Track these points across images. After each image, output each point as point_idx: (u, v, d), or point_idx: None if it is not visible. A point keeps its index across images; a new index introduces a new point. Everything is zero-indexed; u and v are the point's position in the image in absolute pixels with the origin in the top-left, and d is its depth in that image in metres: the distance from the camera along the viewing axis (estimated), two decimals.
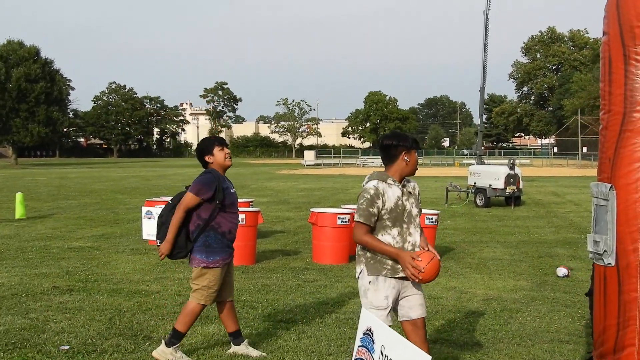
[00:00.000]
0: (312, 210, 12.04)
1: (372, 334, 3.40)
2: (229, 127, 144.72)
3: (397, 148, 4.71)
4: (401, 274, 4.57)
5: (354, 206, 13.14)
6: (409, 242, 4.64)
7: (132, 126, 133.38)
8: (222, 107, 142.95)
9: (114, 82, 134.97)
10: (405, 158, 4.71)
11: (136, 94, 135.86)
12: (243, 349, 6.24)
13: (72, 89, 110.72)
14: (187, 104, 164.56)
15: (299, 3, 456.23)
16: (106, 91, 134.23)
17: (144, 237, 12.84)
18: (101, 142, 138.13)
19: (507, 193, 23.12)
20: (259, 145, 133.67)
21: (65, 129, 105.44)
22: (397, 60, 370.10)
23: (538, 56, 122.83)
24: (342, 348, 6.44)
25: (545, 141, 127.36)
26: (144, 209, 12.92)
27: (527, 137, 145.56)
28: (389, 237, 4.59)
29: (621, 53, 3.47)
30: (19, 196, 19.27)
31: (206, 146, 6.12)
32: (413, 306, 4.68)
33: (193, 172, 56.58)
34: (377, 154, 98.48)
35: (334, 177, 46.78)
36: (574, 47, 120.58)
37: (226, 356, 6.16)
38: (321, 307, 8.18)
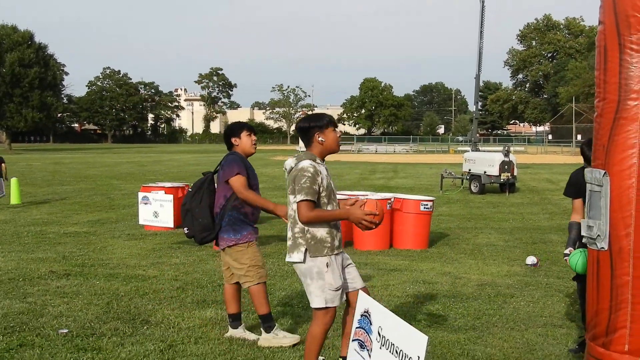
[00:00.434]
0: None
1: (369, 315, 3.47)
2: (224, 113, 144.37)
3: (310, 130, 4.92)
4: (339, 250, 4.86)
5: (349, 192, 13.22)
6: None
7: (126, 112, 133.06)
8: (217, 93, 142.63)
9: (108, 68, 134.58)
10: (320, 139, 4.90)
11: (130, 79, 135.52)
12: (240, 332, 6.29)
13: (66, 74, 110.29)
14: (181, 89, 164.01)
15: None
16: (100, 76, 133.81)
17: (140, 222, 12.89)
18: (95, 127, 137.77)
19: (502, 180, 23.21)
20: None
21: (59, 115, 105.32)
22: (392, 47, 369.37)
23: (534, 44, 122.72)
24: (338, 332, 6.49)
25: (540, 128, 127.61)
26: (140, 195, 12.96)
27: (522, 124, 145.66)
28: None
29: (616, 42, 3.52)
30: (14, 181, 19.28)
31: (235, 129, 6.25)
32: (355, 277, 5.01)
33: (188, 158, 56.56)
34: (372, 141, 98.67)
35: (329, 164, 46.31)
36: (569, 35, 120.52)
37: (224, 339, 6.22)
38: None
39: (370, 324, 3.43)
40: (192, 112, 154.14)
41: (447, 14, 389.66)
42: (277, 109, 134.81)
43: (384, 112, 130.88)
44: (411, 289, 8.43)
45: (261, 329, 6.15)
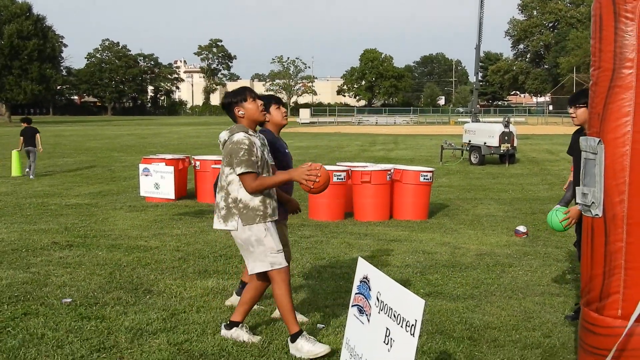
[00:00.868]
0: None
1: (368, 281, 3.54)
2: (224, 85, 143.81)
3: (230, 105, 5.16)
4: (273, 217, 5.11)
5: (350, 163, 13.27)
6: (272, 189, 5.17)
7: (126, 84, 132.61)
8: (217, 65, 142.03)
9: (107, 39, 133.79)
10: (240, 112, 5.13)
11: (130, 51, 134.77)
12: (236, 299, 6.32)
13: (65, 45, 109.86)
14: (181, 61, 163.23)
15: None
16: (99, 48, 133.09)
17: (142, 194, 12.95)
18: (95, 100, 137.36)
19: (502, 151, 23.25)
20: None
21: (58, 87, 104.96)
22: (393, 17, 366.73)
23: (535, 13, 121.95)
24: (337, 301, 6.59)
25: (541, 99, 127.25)
26: (141, 166, 13.00)
27: (522, 95, 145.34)
28: None
29: (612, 11, 3.54)
30: (15, 154, 19.32)
31: (263, 104, 6.09)
32: (286, 243, 5.41)
33: (188, 130, 56.50)
34: (372, 112, 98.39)
35: (330, 136, 46.80)
36: (570, 4, 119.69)
37: (225, 308, 6.31)
38: (317, 262, 8.33)
39: (369, 290, 3.50)
40: (192, 84, 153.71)
41: None
42: (277, 81, 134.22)
43: (384, 83, 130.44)
44: (411, 259, 8.51)
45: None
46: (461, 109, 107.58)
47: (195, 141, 38.41)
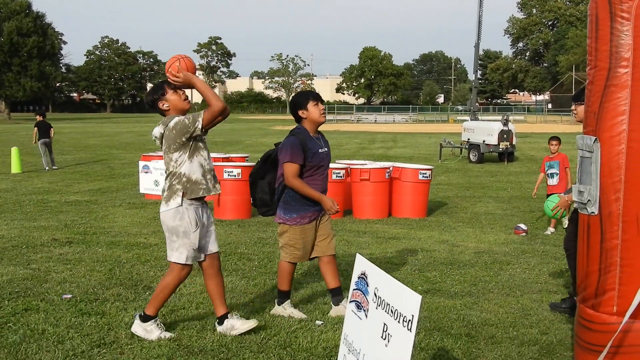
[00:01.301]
0: None
1: (366, 277, 3.57)
2: (223, 83, 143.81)
3: (154, 102, 5.35)
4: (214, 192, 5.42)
5: (349, 161, 13.31)
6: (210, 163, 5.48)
7: (125, 81, 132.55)
8: (216, 63, 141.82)
9: (107, 37, 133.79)
10: (165, 105, 5.33)
11: (129, 48, 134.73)
12: (341, 309, 5.90)
13: (65, 43, 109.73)
14: None
15: None
16: (99, 45, 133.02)
17: (141, 191, 12.99)
18: (94, 97, 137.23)
19: (501, 149, 23.29)
20: (253, 101, 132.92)
21: (58, 84, 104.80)
22: (392, 15, 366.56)
23: (534, 11, 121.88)
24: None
25: (540, 97, 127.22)
26: (141, 164, 13.05)
27: (521, 93, 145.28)
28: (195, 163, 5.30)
29: (607, 10, 3.59)
30: (14, 151, 19.36)
31: (300, 100, 5.92)
32: (213, 240, 5.49)
33: None
34: (371, 110, 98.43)
35: (329, 133, 46.55)
36: (570, 2, 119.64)
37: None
38: (316, 258, 8.34)
39: (367, 286, 3.54)
40: None
41: None
42: (277, 79, 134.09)
43: (384, 81, 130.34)
44: (409, 257, 8.55)
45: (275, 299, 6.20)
46: (460, 107, 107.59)
47: None
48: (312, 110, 5.85)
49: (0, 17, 79.82)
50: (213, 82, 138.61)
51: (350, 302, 3.77)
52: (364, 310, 3.53)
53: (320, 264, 6.17)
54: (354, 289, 3.72)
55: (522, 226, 10.40)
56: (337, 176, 11.46)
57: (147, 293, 6.69)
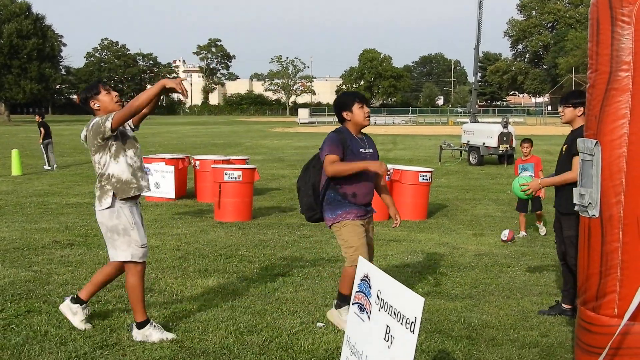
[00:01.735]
0: None
1: (368, 280, 3.59)
2: (223, 85, 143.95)
3: (86, 100, 5.56)
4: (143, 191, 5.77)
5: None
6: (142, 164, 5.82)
7: (125, 83, 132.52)
8: (216, 65, 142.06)
9: (106, 39, 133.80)
10: (96, 105, 5.49)
11: (129, 50, 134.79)
12: (335, 315, 5.87)
13: (64, 45, 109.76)
14: (180, 61, 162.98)
15: None
16: (98, 48, 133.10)
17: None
18: None
19: (500, 151, 23.32)
20: (252, 103, 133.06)
21: (57, 86, 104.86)
22: (392, 17, 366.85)
23: (534, 13, 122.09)
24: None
25: (540, 100, 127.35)
26: None
27: (521, 95, 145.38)
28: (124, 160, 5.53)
29: (608, 15, 3.61)
30: (15, 153, 19.37)
31: (346, 102, 5.82)
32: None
33: (187, 129, 56.53)
34: (371, 112, 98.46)
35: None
36: (569, 5, 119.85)
37: (226, 307, 6.35)
38: (317, 261, 8.38)
39: (370, 288, 3.56)
40: (191, 84, 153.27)
41: None
42: (276, 81, 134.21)
43: (383, 83, 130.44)
44: (409, 259, 8.57)
45: (334, 300, 6.02)
46: (460, 109, 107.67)
47: (194, 141, 38.46)
48: (357, 113, 5.76)
49: (0, 19, 79.83)
50: (213, 84, 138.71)
51: (353, 304, 3.79)
52: (367, 313, 3.55)
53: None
54: (356, 291, 3.74)
55: (506, 233, 10.01)
56: None
57: (149, 295, 6.71)
